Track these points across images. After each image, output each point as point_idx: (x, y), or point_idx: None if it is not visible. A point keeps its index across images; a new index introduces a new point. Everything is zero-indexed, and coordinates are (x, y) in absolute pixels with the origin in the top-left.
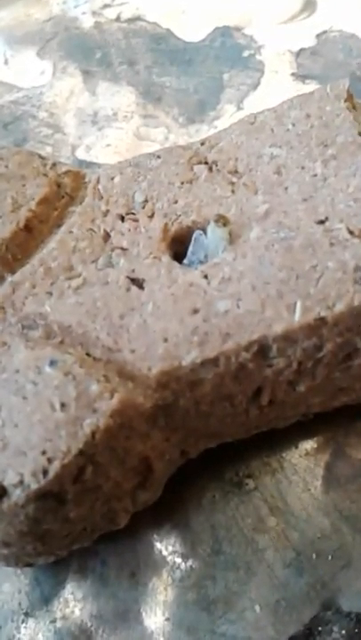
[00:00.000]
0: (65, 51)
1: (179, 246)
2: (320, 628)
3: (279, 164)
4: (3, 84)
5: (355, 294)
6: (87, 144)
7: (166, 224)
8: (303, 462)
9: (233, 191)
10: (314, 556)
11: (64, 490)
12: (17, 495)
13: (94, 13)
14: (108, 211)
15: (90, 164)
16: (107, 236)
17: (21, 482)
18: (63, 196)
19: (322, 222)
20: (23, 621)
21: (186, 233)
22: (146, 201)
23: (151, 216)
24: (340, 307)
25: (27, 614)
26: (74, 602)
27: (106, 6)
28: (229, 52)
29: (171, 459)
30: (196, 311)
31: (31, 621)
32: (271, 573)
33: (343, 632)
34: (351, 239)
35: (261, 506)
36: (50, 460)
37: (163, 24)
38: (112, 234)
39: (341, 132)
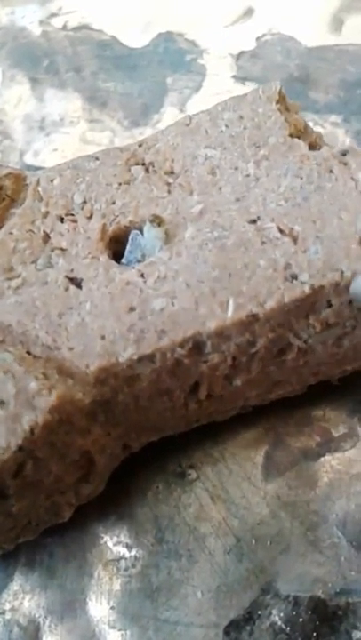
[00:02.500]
0: (13, 59)
1: (117, 246)
2: (259, 612)
3: (213, 164)
4: None
5: (285, 291)
6: (35, 149)
7: (104, 224)
8: (243, 452)
9: (169, 191)
10: (253, 542)
11: (5, 484)
12: None
13: (42, 22)
14: (47, 212)
15: (38, 169)
16: (46, 237)
17: None
18: (4, 198)
19: (254, 222)
20: None
21: (123, 233)
22: (85, 202)
23: (90, 217)
24: (270, 303)
25: None
26: (22, 594)
27: (53, 15)
28: (172, 57)
29: (113, 453)
30: (132, 309)
31: None
32: (212, 560)
33: (281, 615)
34: (282, 238)
35: (203, 495)
36: None
37: (108, 31)
38: (52, 235)
39: (273, 133)
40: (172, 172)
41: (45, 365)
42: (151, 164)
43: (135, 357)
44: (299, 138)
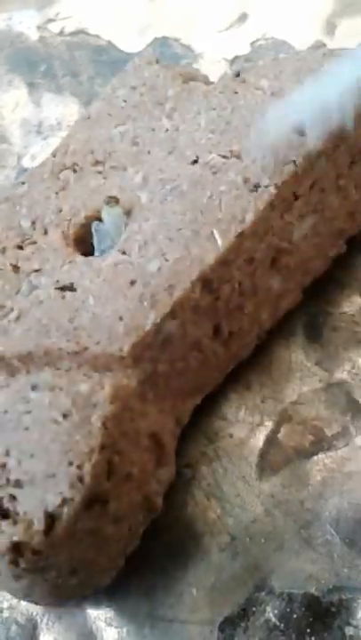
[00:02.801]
0: (10, 64)
1: (84, 245)
2: (254, 609)
3: (131, 136)
4: None
5: (255, 201)
6: (32, 153)
7: (63, 232)
8: (238, 451)
9: (105, 177)
10: (248, 540)
11: (103, 489)
12: (66, 513)
13: (39, 28)
14: (4, 248)
15: None
16: (15, 268)
17: (64, 499)
18: None
19: (195, 162)
20: None
21: (84, 230)
22: (33, 222)
23: (45, 233)
24: (249, 216)
25: None
26: None
27: (50, 21)
28: (168, 61)
29: (171, 430)
30: (133, 282)
31: None
32: (207, 558)
33: (276, 611)
34: (227, 161)
35: (198, 494)
36: (79, 467)
37: (104, 36)
38: (19, 263)
39: (168, 87)
40: (97, 162)
41: (81, 370)
42: (75, 164)
43: (158, 320)
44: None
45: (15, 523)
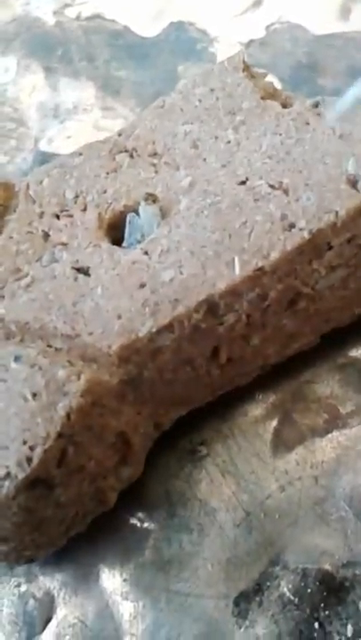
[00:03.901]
0: (28, 49)
1: (115, 232)
2: (268, 583)
3: (194, 138)
4: None
5: (286, 240)
6: (49, 137)
7: (100, 213)
8: (252, 429)
9: (156, 171)
10: (262, 515)
11: (50, 475)
12: (7, 487)
13: (55, 13)
14: (42, 212)
15: (52, 156)
16: (46, 235)
17: (8, 474)
18: None
19: (243, 183)
20: None
21: (119, 218)
22: (77, 196)
23: (84, 209)
24: (274, 254)
25: None
26: (37, 567)
27: (67, 6)
28: (184, 46)
29: (146, 432)
30: (143, 285)
31: None
32: (222, 533)
33: (290, 586)
34: (273, 192)
35: (214, 471)
36: (32, 448)
37: (120, 21)
38: (50, 232)
39: (245, 99)
40: (155, 154)
41: (69, 354)
42: (134, 149)
43: (154, 330)
44: (271, 100)
45: None
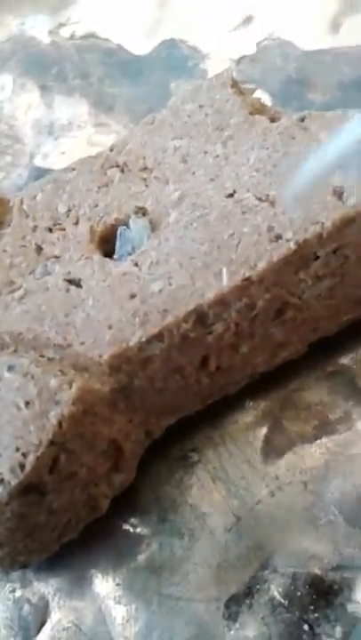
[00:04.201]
0: (23, 68)
1: (107, 244)
2: (259, 587)
3: (183, 153)
4: None
5: (273, 251)
6: (44, 152)
7: (92, 226)
8: (243, 436)
9: (146, 185)
10: (253, 520)
11: (43, 481)
12: (0, 494)
13: (50, 32)
14: (36, 226)
15: (47, 171)
16: (39, 249)
17: (1, 480)
18: None
19: (231, 195)
20: None
21: (111, 231)
22: (69, 210)
23: (76, 223)
24: (261, 264)
25: None
26: (32, 573)
27: (61, 25)
28: (176, 63)
29: (137, 440)
30: (133, 296)
31: None
32: (213, 538)
33: (280, 589)
34: (260, 204)
35: (204, 477)
36: (24, 455)
37: (113, 39)
38: (43, 245)
39: (233, 114)
40: (145, 168)
41: (61, 364)
42: (125, 164)
43: (144, 339)
44: (259, 115)
45: None
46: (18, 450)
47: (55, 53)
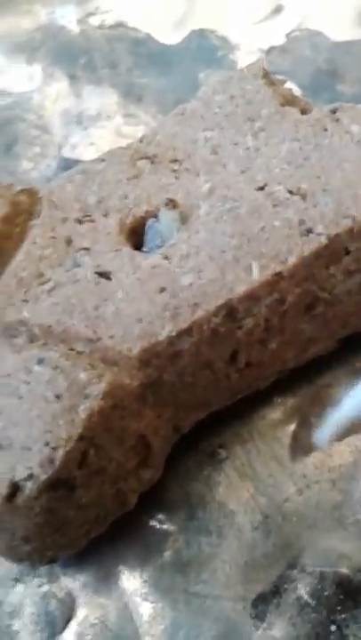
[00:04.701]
0: (52, 57)
1: (136, 237)
2: (286, 586)
3: (214, 144)
4: None
5: (303, 245)
6: (72, 143)
7: (121, 218)
8: (271, 432)
9: (177, 177)
10: (280, 518)
11: (72, 476)
12: (29, 488)
13: (79, 22)
14: (65, 218)
15: (75, 162)
16: (69, 240)
17: (31, 475)
18: (22, 213)
19: (262, 188)
20: (12, 586)
21: (140, 223)
22: (99, 202)
23: (106, 215)
24: (292, 259)
25: (16, 580)
26: (59, 568)
27: (90, 14)
28: (205, 53)
29: (165, 435)
30: (163, 289)
31: (20, 586)
32: (241, 536)
33: (307, 589)
34: (291, 197)
35: (232, 474)
36: (54, 450)
37: (143, 29)
38: (73, 237)
39: (264, 105)
40: (175, 160)
41: (90, 358)
42: (155, 155)
43: (174, 333)
44: (290, 106)
45: None
46: (47, 444)
47: (84, 43)
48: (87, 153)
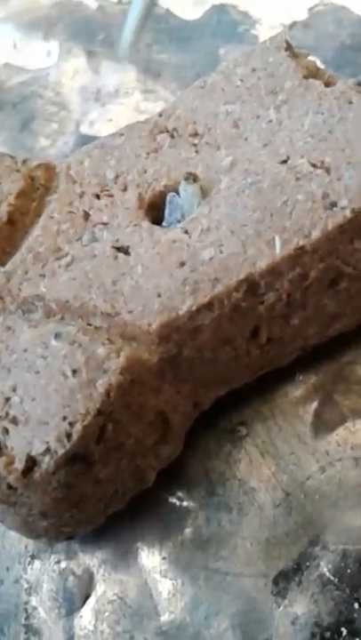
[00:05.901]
0: (70, 33)
1: (155, 212)
2: (308, 564)
3: (235, 118)
4: (12, 67)
5: (327, 219)
6: (91, 120)
7: (140, 193)
8: (293, 410)
9: (197, 151)
10: (302, 496)
11: (90, 451)
12: (46, 463)
13: None
14: (83, 192)
15: (93, 139)
16: (86, 215)
17: (48, 449)
18: (38, 188)
19: (285, 162)
20: (29, 563)
21: (160, 198)
22: (117, 176)
23: (124, 189)
24: (316, 233)
25: (33, 557)
26: (77, 544)
27: None
28: (225, 28)
29: (185, 411)
30: (183, 264)
31: (37, 563)
32: (262, 513)
33: (330, 566)
34: (315, 171)
35: (253, 451)
36: (71, 424)
37: (162, 4)
38: (91, 212)
39: (287, 78)
40: (196, 134)
41: (108, 332)
42: (175, 129)
43: (194, 308)
44: (313, 79)
45: (0, 455)
46: (65, 419)
47: (102, 18)
48: (105, 129)
